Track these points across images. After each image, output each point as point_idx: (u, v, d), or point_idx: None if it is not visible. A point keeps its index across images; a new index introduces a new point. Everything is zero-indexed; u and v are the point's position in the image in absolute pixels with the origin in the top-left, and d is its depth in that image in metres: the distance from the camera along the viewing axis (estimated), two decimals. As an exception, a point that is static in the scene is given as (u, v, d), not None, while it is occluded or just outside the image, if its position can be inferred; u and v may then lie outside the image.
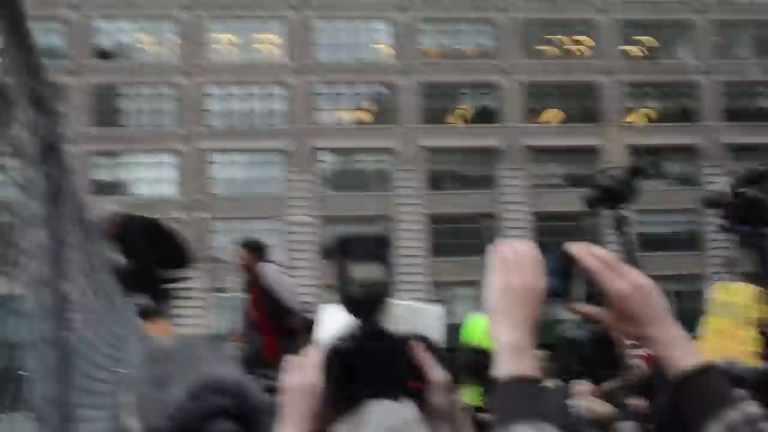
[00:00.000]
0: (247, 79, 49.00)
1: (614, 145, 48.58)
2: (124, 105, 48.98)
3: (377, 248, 1.89)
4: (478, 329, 7.13)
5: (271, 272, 9.66)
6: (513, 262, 1.77)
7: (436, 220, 48.32)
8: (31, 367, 2.47)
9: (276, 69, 49.19)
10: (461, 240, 48.10)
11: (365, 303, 1.87)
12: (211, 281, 41.29)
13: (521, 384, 1.66)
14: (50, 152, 2.87)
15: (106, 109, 47.96)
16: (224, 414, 1.10)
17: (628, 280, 1.81)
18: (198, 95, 48.76)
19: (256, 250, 9.86)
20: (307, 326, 9.67)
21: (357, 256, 1.86)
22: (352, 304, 1.88)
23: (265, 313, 9.51)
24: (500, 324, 1.73)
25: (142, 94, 48.92)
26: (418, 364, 1.92)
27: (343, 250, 1.86)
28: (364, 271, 1.86)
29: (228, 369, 1.25)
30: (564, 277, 1.81)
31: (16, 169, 2.82)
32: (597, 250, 1.85)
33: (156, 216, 9.73)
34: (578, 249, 1.84)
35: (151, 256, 8.22)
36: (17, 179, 2.70)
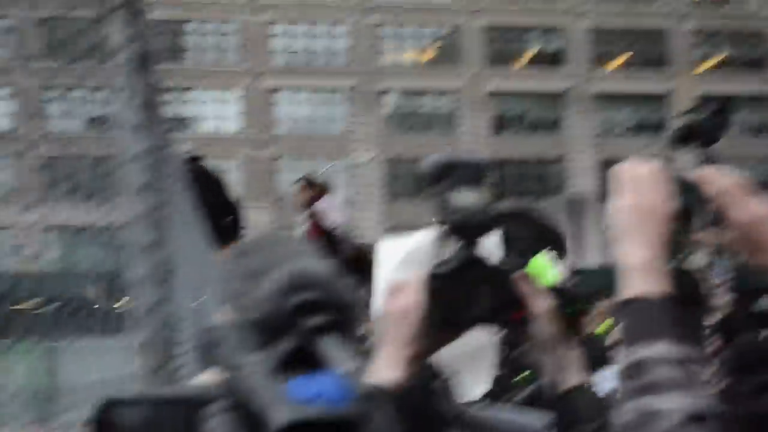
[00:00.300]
0: (312, 17, 48.86)
1: (683, 92, 47.85)
2: (189, 41, 49.14)
3: (479, 173, 1.85)
4: (535, 267, 7.11)
5: (327, 208, 9.71)
6: (642, 181, 1.71)
7: (501, 164, 48.19)
8: (132, 274, 2.50)
9: (341, 8, 48.98)
10: (526, 184, 47.92)
11: (467, 228, 1.84)
12: (278, 219, 41.64)
13: (653, 303, 1.60)
14: (145, 62, 2.88)
15: (171, 45, 48.16)
16: (315, 307, 1.09)
17: (759, 207, 1.74)
18: (263, 32, 48.75)
19: (314, 187, 9.90)
20: (362, 260, 9.76)
21: (459, 180, 1.82)
22: (453, 229, 1.84)
23: (322, 248, 9.53)
24: (629, 244, 1.67)
25: (207, 31, 49.02)
26: (520, 293, 1.88)
27: (444, 175, 1.83)
28: (465, 196, 1.82)
29: (318, 263, 1.24)
30: (691, 200, 1.75)
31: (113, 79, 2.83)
32: (727, 173, 1.79)
33: (221, 154, 9.84)
34: (707, 172, 1.78)
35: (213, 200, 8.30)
36: (116, 87, 2.71)
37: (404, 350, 1.83)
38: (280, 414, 0.92)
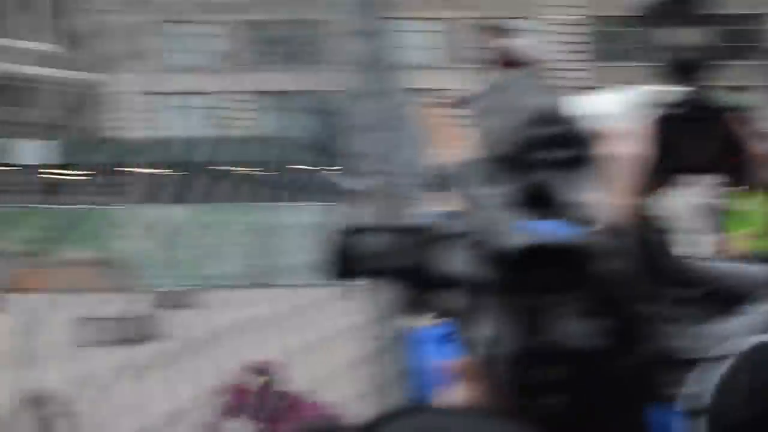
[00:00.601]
0: None
1: None
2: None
3: (702, 14, 1.80)
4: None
5: (518, 48, 9.48)
6: None
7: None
8: (359, 119, 2.58)
9: None
10: (731, 40, 45.81)
11: (690, 69, 1.78)
12: (477, 81, 41.15)
13: None
14: None
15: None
16: (555, 143, 1.09)
17: None
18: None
19: (507, 33, 9.69)
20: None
21: (682, 21, 1.77)
22: (677, 71, 1.78)
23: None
24: None
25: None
26: (742, 136, 1.81)
27: (667, 16, 1.78)
28: (689, 37, 1.77)
29: (559, 100, 1.21)
30: None
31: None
32: None
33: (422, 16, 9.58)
34: None
35: None
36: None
37: (628, 197, 1.76)
38: (515, 240, 0.94)
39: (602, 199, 1.74)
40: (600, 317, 0.92)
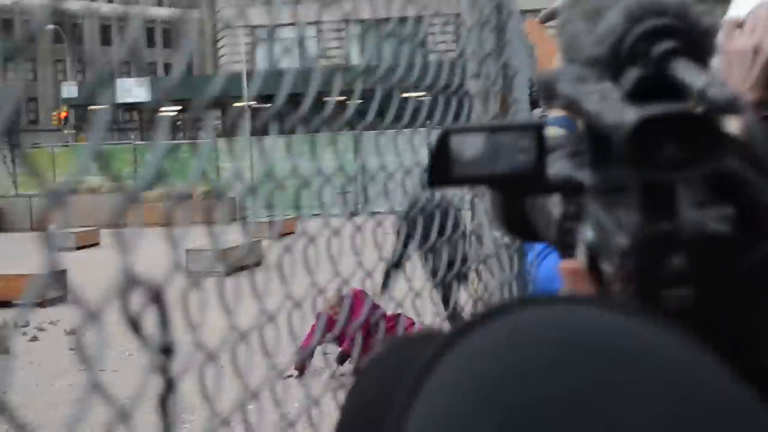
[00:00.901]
0: None
1: None
2: None
3: None
4: None
5: None
6: None
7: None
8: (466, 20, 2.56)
9: None
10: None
11: None
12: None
13: None
14: None
15: None
16: (665, 34, 1.01)
17: None
18: None
19: None
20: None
21: None
22: None
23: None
24: None
25: None
26: None
27: None
28: None
29: None
30: None
31: None
32: None
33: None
34: None
35: None
36: None
37: (750, 91, 1.67)
38: (631, 115, 0.82)
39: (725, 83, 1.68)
40: (726, 203, 0.82)
